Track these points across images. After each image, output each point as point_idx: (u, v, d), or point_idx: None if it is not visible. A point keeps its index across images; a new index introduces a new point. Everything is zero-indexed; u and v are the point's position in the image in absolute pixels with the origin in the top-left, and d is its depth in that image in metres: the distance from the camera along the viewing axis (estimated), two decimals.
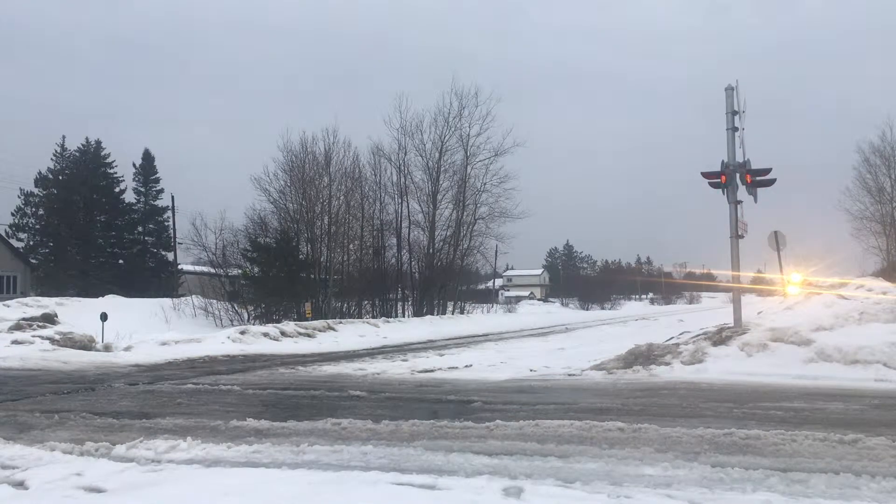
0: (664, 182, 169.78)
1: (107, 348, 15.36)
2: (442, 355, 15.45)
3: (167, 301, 28.06)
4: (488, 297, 59.73)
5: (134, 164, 48.81)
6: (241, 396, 8.88)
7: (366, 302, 32.45)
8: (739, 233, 12.79)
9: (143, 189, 48.80)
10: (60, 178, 46.60)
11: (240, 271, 29.35)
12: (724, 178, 12.79)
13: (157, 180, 49.08)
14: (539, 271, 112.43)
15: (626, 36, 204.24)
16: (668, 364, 10.87)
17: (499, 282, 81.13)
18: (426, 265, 35.31)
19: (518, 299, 78.73)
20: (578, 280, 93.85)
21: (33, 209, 46.09)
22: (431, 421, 6.56)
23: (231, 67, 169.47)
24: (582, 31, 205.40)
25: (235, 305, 27.40)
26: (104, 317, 17.07)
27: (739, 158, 12.80)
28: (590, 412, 7.07)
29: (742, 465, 4.81)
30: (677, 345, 11.95)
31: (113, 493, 4.45)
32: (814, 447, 5.33)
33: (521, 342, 20.14)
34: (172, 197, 42.62)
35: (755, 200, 13.11)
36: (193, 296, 28.28)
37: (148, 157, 49.13)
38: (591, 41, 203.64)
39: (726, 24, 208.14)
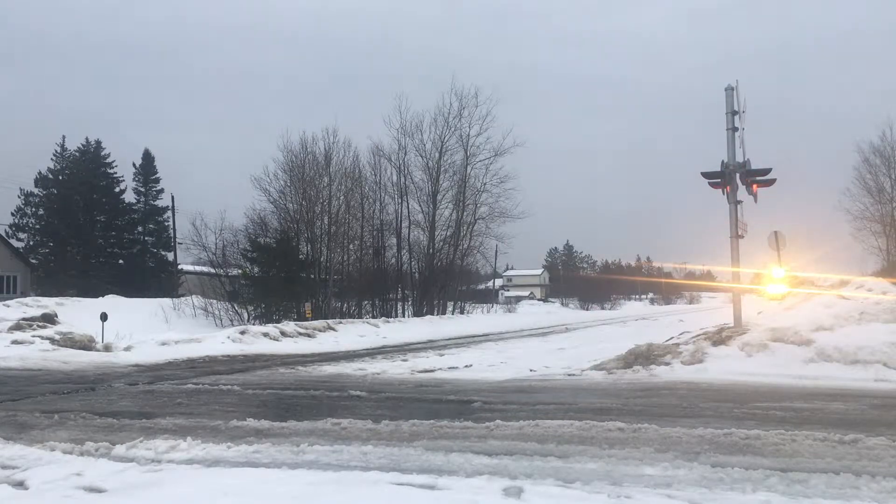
0: (664, 182, 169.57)
1: (107, 348, 15.36)
2: (442, 355, 15.45)
3: (167, 301, 28.06)
4: (488, 297, 59.71)
5: (134, 164, 48.90)
6: (241, 396, 8.88)
7: (366, 302, 32.45)
8: (739, 233, 12.79)
9: (143, 189, 48.84)
10: (60, 178, 46.61)
11: (240, 271, 29.35)
12: (724, 178, 12.80)
13: (157, 180, 49.16)
14: (539, 271, 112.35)
15: (625, 40, 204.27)
16: (668, 364, 10.87)
17: (499, 282, 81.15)
18: (426, 265, 35.32)
19: (518, 299, 78.67)
20: (578, 280, 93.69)
21: (33, 209, 46.11)
22: (431, 421, 6.56)
23: (231, 68, 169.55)
24: (581, 36, 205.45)
25: (235, 305, 27.39)
26: (104, 317, 17.07)
27: (739, 158, 12.80)
28: (590, 412, 7.06)
29: (742, 465, 4.80)
30: (677, 345, 11.94)
31: (113, 493, 4.45)
32: (814, 447, 5.33)
33: (521, 342, 20.14)
34: (172, 197, 42.68)
35: (755, 200, 13.11)
36: (193, 296, 28.27)
37: (148, 157, 49.18)
38: (591, 46, 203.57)
39: (726, 26, 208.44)
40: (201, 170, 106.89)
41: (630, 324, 32.42)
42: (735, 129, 12.89)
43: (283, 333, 19.29)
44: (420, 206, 35.24)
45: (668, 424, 6.20)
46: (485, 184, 35.29)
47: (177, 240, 41.61)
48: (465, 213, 35.51)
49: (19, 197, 45.57)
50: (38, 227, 46.18)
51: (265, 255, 28.16)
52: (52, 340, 15.14)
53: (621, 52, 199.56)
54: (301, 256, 29.46)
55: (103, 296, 29.35)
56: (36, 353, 13.98)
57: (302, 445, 5.55)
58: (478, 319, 34.63)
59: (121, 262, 47.18)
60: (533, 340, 21.03)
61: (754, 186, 12.88)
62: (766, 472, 4.60)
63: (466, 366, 12.80)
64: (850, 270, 26.37)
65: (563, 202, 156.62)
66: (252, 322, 24.99)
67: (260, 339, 18.02)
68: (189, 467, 5.07)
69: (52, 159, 47.40)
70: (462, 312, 36.78)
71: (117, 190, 47.81)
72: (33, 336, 15.46)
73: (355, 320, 26.31)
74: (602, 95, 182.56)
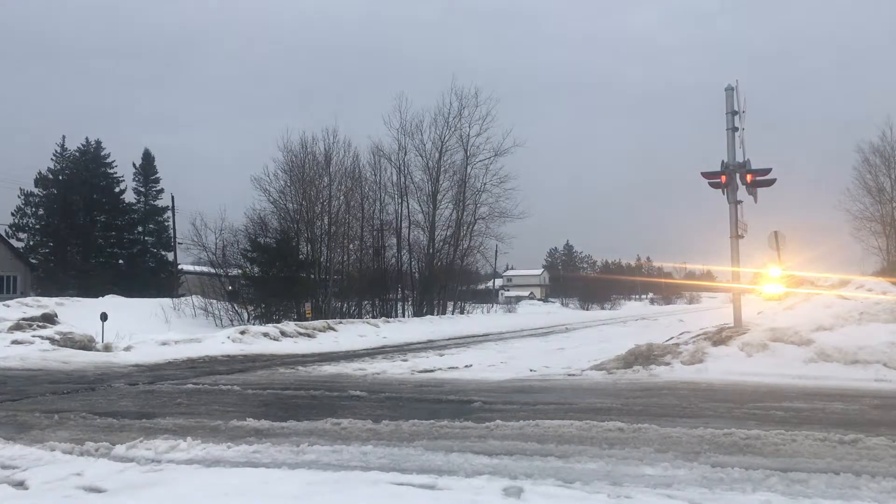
0: (664, 182, 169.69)
1: (107, 348, 15.35)
2: (442, 355, 15.44)
3: (167, 301, 28.05)
4: (488, 297, 59.71)
5: (134, 164, 48.94)
6: (241, 396, 8.88)
7: (366, 302, 32.44)
8: (739, 233, 12.79)
9: (143, 189, 48.89)
10: (60, 178, 46.62)
11: (240, 271, 29.35)
12: (724, 178, 12.80)
13: (157, 180, 49.22)
14: (539, 271, 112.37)
15: (625, 40, 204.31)
16: (668, 364, 10.87)
17: (499, 282, 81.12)
18: (426, 265, 35.34)
19: (518, 299, 78.67)
20: (578, 280, 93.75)
21: (33, 209, 46.13)
22: (431, 421, 6.56)
23: (232, 68, 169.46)
24: (581, 36, 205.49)
25: (235, 305, 27.39)
26: (104, 317, 17.07)
27: (739, 158, 12.81)
28: (590, 412, 7.06)
29: (742, 465, 4.81)
30: (677, 345, 11.95)
31: (113, 493, 4.45)
32: (814, 447, 5.33)
33: (521, 342, 20.14)
34: (172, 197, 42.67)
35: (755, 200, 13.12)
36: (193, 296, 28.28)
37: (148, 157, 49.23)
38: (591, 46, 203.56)
39: (727, 26, 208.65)
40: (201, 170, 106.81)
41: (630, 324, 32.41)
42: (735, 129, 12.90)
43: (283, 333, 19.29)
44: (420, 206, 35.31)
45: (668, 424, 6.20)
46: (485, 184, 35.38)
47: (177, 240, 41.67)
48: (465, 213, 35.58)
49: (19, 197, 45.66)
50: (38, 227, 46.19)
51: (265, 255, 28.16)
52: (52, 340, 15.13)
53: (621, 52, 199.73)
54: (301, 256, 29.45)
55: (103, 296, 29.32)
56: (36, 353, 13.97)
57: (302, 445, 5.56)
58: (478, 319, 34.62)
59: (121, 262, 47.22)
60: (533, 340, 21.03)
61: (754, 186, 12.89)
62: (766, 472, 4.60)
63: (466, 366, 12.80)
64: (850, 270, 26.38)
65: (563, 202, 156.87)
66: (252, 322, 24.99)
67: (260, 339, 18.01)
68: (189, 467, 5.07)
69: (52, 159, 47.49)
70: (462, 312, 36.77)
71: (117, 190, 47.86)
72: (33, 336, 15.45)
73: (355, 320, 26.30)
74: (602, 95, 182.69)
